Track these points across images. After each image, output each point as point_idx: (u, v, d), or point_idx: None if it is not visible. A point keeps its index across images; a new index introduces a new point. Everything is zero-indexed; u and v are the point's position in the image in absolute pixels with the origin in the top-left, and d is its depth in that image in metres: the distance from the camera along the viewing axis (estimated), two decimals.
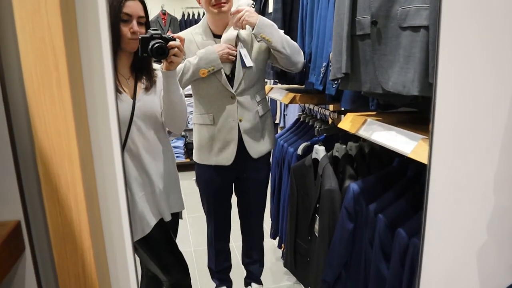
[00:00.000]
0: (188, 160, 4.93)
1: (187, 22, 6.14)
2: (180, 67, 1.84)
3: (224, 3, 1.81)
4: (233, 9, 1.87)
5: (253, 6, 1.95)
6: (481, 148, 0.89)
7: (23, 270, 0.72)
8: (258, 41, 1.87)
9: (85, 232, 0.68)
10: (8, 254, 0.67)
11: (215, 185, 2.08)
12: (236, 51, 1.91)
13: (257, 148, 2.04)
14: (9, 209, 0.70)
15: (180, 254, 1.74)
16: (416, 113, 1.53)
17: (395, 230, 1.29)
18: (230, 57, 1.89)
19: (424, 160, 1.01)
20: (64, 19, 0.63)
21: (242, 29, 1.87)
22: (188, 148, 5.09)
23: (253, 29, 1.81)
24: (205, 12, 1.93)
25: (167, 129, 1.70)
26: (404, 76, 1.15)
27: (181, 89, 1.61)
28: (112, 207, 0.77)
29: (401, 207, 1.38)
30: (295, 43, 1.91)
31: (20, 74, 0.65)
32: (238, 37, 1.90)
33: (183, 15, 6.22)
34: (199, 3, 1.89)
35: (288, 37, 1.88)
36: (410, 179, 1.49)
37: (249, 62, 1.90)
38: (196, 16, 6.21)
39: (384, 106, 1.52)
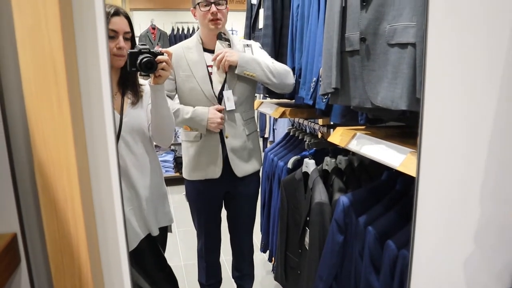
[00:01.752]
0: (177, 174, 4.92)
1: (177, 37, 6.17)
2: (171, 107, 1.82)
3: (220, 20, 1.86)
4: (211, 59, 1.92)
5: (228, 45, 1.97)
6: (467, 160, 0.91)
7: (19, 283, 0.71)
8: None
9: (82, 246, 0.68)
10: (3, 267, 0.67)
11: (205, 199, 2.08)
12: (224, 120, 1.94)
13: (243, 167, 2.05)
14: (5, 222, 0.70)
15: (169, 269, 1.73)
16: (404, 127, 1.56)
17: (385, 242, 1.30)
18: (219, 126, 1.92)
19: (413, 173, 1.03)
20: (64, 34, 0.65)
21: (224, 70, 1.91)
22: (178, 162, 5.08)
23: (235, 67, 1.87)
24: (199, 26, 1.97)
25: (154, 144, 1.70)
26: (392, 92, 1.17)
27: (168, 102, 1.62)
28: (108, 221, 0.77)
29: (390, 219, 1.40)
30: (282, 67, 1.94)
31: (19, 88, 0.66)
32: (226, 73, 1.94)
33: (173, 29, 6.25)
34: (194, 15, 1.93)
35: (272, 65, 1.92)
36: (399, 191, 1.51)
37: (230, 106, 1.94)
38: (185, 31, 6.25)
39: (373, 120, 1.55)
